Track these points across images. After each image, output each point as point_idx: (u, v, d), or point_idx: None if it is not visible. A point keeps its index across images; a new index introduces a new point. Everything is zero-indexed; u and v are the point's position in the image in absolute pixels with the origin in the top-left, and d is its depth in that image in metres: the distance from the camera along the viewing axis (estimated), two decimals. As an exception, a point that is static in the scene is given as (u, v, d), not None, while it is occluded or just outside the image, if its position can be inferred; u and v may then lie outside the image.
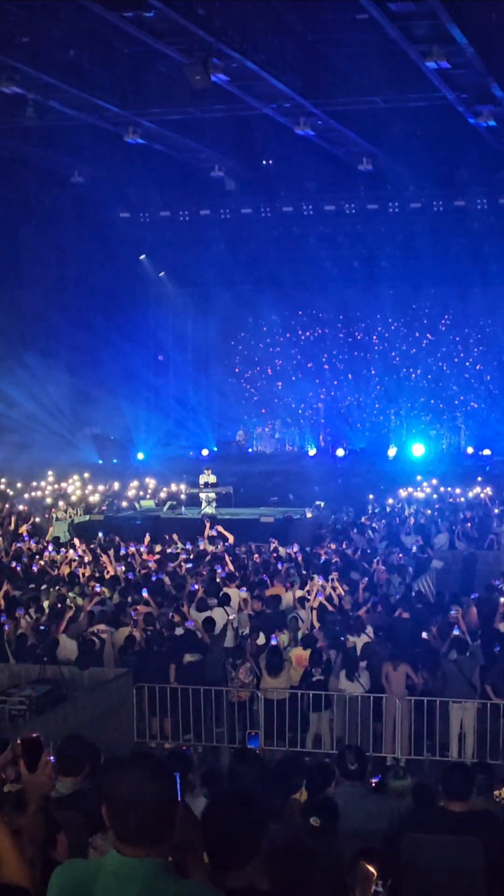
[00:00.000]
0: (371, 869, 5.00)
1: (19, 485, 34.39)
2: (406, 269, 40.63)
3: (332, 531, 27.48)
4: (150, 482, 35.94)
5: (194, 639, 16.17)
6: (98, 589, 18.93)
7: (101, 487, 34.81)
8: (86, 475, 36.18)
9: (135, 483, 35.43)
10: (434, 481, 34.92)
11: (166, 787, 3.52)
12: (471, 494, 32.43)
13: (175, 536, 25.41)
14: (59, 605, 17.94)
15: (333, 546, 24.19)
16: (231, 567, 21.41)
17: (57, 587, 19.60)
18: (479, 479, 35.03)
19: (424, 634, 15.90)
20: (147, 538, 25.17)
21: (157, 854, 3.49)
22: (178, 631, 16.52)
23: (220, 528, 26.15)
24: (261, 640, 16.30)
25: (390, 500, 31.49)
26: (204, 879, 3.78)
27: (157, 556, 23.33)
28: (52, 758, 7.78)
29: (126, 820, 3.47)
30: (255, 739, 12.58)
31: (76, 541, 25.30)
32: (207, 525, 26.40)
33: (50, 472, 35.57)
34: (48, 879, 3.69)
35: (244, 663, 15.31)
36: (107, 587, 19.75)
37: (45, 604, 18.34)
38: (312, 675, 15.19)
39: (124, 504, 33.28)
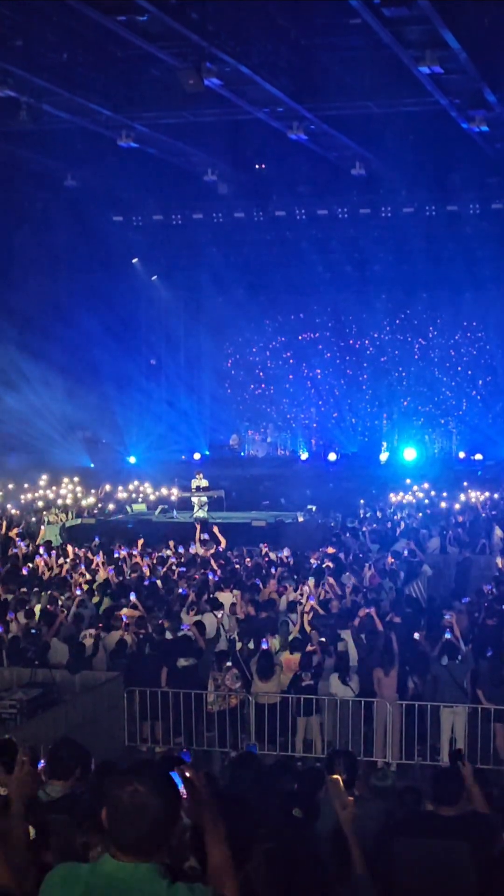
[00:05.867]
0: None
1: (11, 486, 34.36)
2: (398, 274, 40.69)
3: (329, 535, 27.49)
4: (143, 486, 35.93)
5: (189, 643, 16.13)
6: (78, 592, 18.94)
7: (93, 491, 34.79)
8: (78, 479, 36.19)
9: (132, 485, 35.46)
10: (426, 486, 34.95)
11: (168, 801, 3.53)
12: (462, 498, 32.46)
13: (171, 543, 25.40)
14: (51, 609, 17.92)
15: (331, 550, 24.15)
16: (218, 571, 21.40)
17: (48, 591, 19.57)
18: (465, 483, 35.06)
19: (416, 635, 15.91)
20: (140, 542, 25.17)
21: (152, 860, 3.50)
22: (168, 635, 16.49)
23: (215, 530, 26.11)
24: (251, 644, 16.29)
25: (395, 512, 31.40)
26: (225, 859, 3.75)
27: (149, 561, 23.32)
28: (42, 762, 7.79)
29: (126, 831, 3.49)
30: (252, 748, 12.53)
31: (68, 546, 25.27)
32: (198, 528, 26.39)
33: (42, 476, 35.53)
34: (39, 883, 3.68)
35: (230, 669, 15.27)
36: (98, 591, 19.76)
37: (37, 607, 18.32)
38: (301, 679, 15.17)
39: (111, 507, 33.26)
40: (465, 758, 7.96)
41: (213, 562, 22.48)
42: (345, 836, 5.24)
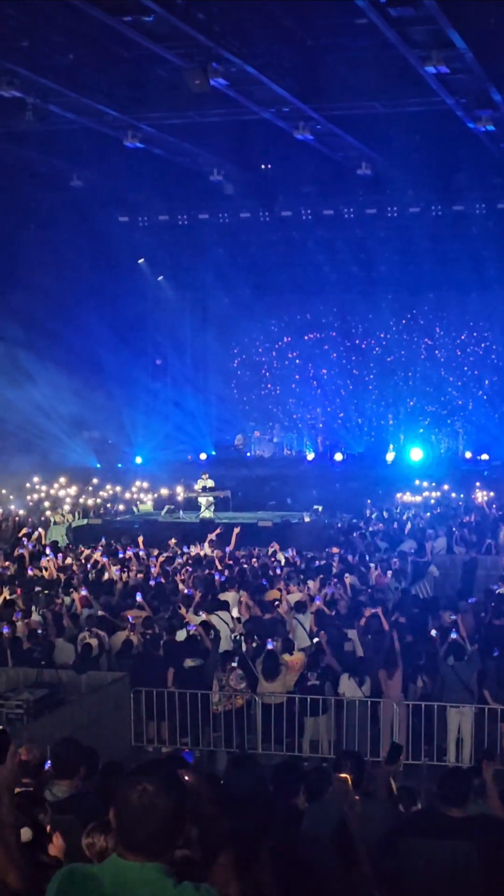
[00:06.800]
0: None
1: (19, 486, 34.41)
2: (404, 274, 40.69)
3: (336, 535, 27.49)
4: (149, 486, 35.98)
5: (195, 643, 16.12)
6: (84, 593, 18.93)
7: (101, 493, 34.84)
8: (94, 480, 36.26)
9: (135, 485, 35.50)
10: (446, 487, 34.95)
11: (177, 801, 3.53)
12: (462, 496, 32.51)
13: (172, 541, 25.40)
14: (56, 609, 17.93)
15: (337, 550, 24.13)
16: (225, 572, 21.38)
17: (52, 591, 19.59)
18: (478, 483, 35.07)
19: (433, 632, 15.89)
20: (140, 539, 25.19)
21: (159, 860, 3.50)
22: (179, 636, 16.47)
23: (236, 531, 25.94)
24: (254, 643, 16.28)
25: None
26: (229, 870, 3.76)
27: (158, 561, 23.33)
28: (48, 763, 7.77)
29: (134, 830, 3.49)
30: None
31: (72, 547, 25.32)
32: (219, 530, 26.32)
33: (48, 476, 35.55)
34: (39, 883, 3.68)
35: (234, 670, 15.25)
36: (104, 591, 19.77)
37: (42, 609, 18.33)
38: (308, 679, 15.14)
39: (121, 507, 33.30)
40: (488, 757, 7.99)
41: (217, 562, 22.46)
42: (349, 835, 5.24)
